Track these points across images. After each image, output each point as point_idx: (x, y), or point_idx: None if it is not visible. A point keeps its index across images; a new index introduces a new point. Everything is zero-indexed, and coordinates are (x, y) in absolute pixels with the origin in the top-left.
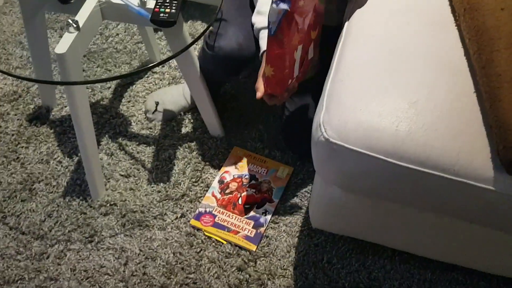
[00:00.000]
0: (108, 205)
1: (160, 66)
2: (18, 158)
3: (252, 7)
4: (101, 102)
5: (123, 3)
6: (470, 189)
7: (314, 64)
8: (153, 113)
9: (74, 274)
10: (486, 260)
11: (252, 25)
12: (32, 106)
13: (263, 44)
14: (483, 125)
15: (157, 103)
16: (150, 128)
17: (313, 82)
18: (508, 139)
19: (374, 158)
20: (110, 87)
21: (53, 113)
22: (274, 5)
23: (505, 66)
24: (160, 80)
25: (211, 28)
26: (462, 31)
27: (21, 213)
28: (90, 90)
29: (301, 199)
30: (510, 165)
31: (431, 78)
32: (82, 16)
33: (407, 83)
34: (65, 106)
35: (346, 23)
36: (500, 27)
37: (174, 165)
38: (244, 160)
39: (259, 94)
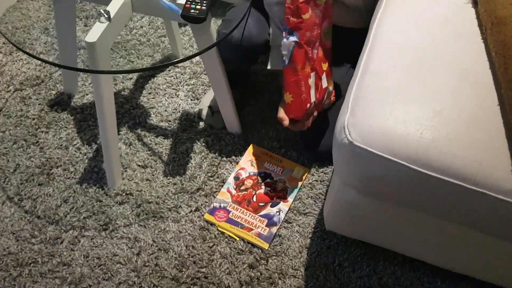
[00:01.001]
0: (124, 194)
1: (186, 61)
2: (37, 142)
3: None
4: (122, 92)
5: None
6: (489, 200)
7: (330, 96)
8: (212, 116)
9: (87, 261)
10: (500, 273)
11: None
12: (54, 92)
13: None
14: (505, 138)
15: (210, 107)
16: (169, 121)
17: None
18: None
19: (397, 164)
20: (131, 78)
21: (74, 100)
22: (285, 40)
23: None
24: (181, 74)
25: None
26: (489, 45)
27: (37, 197)
28: (112, 82)
29: (315, 201)
30: None
31: (456, 88)
32: (113, 7)
33: (432, 92)
34: (87, 94)
35: (374, 29)
36: None
37: (191, 159)
38: (261, 158)
39: (285, 122)
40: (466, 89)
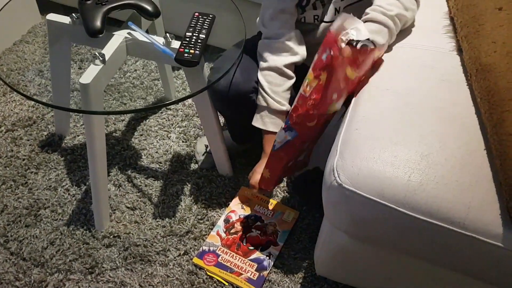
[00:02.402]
0: (111, 236)
1: (175, 104)
2: (26, 183)
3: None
4: (114, 133)
5: (149, 41)
6: (478, 244)
7: (301, 165)
8: (203, 155)
9: None
10: None
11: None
12: (45, 133)
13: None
14: (493, 182)
15: (207, 146)
16: (160, 163)
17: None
18: None
19: (385, 206)
20: (124, 120)
21: (65, 141)
22: (282, 130)
23: None
24: (174, 116)
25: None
26: (474, 91)
27: (24, 239)
28: (104, 124)
29: (305, 245)
30: None
31: (443, 133)
32: (108, 50)
33: (420, 136)
34: (78, 135)
35: None
36: (511, 89)
37: (181, 201)
38: (251, 201)
39: (255, 191)
40: (453, 134)
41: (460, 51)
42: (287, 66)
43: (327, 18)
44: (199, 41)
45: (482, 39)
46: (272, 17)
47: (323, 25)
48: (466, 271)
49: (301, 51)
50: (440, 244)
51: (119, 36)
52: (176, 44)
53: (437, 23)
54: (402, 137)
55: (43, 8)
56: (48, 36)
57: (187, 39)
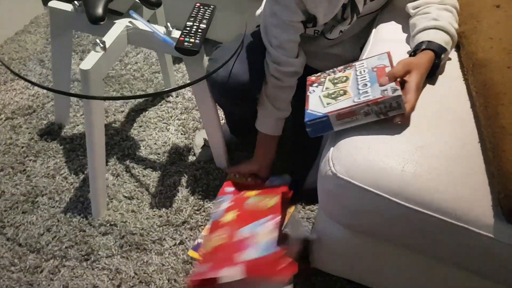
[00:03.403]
0: (108, 225)
1: (174, 96)
2: (24, 170)
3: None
4: (113, 124)
5: (150, 30)
6: (470, 235)
7: None
8: (201, 147)
9: None
10: None
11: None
12: (45, 122)
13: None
14: (485, 173)
15: (205, 139)
16: (158, 154)
17: None
18: (509, 188)
19: (379, 196)
20: (123, 111)
21: (64, 130)
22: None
23: (509, 119)
24: (173, 109)
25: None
26: (470, 85)
27: (20, 225)
28: (104, 112)
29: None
30: (511, 213)
31: (438, 125)
32: (109, 38)
33: (415, 128)
34: (77, 125)
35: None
36: (506, 83)
37: (178, 192)
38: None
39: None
40: (448, 127)
41: (458, 47)
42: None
43: (330, 36)
44: (199, 30)
45: (479, 35)
46: (279, 46)
47: (322, 36)
48: (458, 263)
49: (302, 68)
50: (432, 235)
51: (120, 25)
52: (176, 33)
53: None
54: (397, 129)
55: None
56: (50, 24)
57: (188, 28)
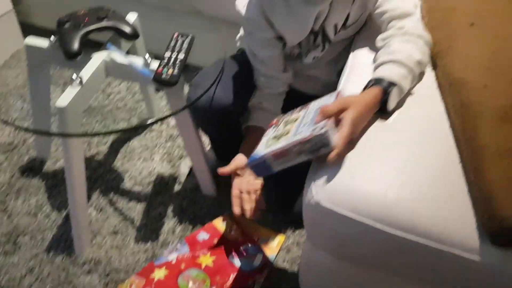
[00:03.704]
0: (92, 262)
1: (158, 124)
2: (5, 209)
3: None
4: (96, 156)
5: (127, 62)
6: (455, 259)
7: None
8: (187, 176)
9: None
10: None
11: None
12: (26, 158)
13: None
14: (468, 195)
15: (191, 168)
16: (143, 185)
17: None
18: (492, 210)
19: (363, 223)
20: (106, 142)
21: (46, 166)
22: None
23: (488, 139)
24: (157, 137)
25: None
26: (448, 105)
27: (1, 267)
28: (86, 145)
29: (291, 264)
30: (495, 236)
31: (418, 147)
32: (86, 72)
33: (395, 151)
34: (59, 160)
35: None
36: (483, 103)
37: (164, 224)
38: (235, 226)
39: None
40: (428, 148)
41: (434, 67)
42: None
43: (305, 60)
44: (177, 61)
45: (455, 54)
46: (262, 62)
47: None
48: (446, 285)
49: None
50: (418, 260)
51: (98, 58)
52: (155, 64)
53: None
54: (377, 152)
55: (26, 33)
56: (27, 60)
57: (166, 59)
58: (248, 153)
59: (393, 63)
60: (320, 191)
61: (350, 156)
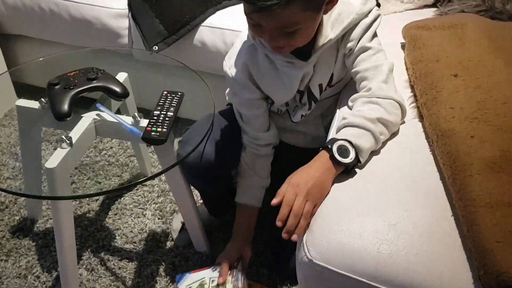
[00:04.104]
0: None
1: (149, 180)
2: None
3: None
4: (87, 214)
5: (116, 121)
6: None
7: None
8: (179, 232)
9: None
10: None
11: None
12: (17, 218)
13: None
14: (462, 248)
15: (183, 223)
16: (135, 242)
17: None
18: (487, 265)
19: (357, 281)
20: (98, 200)
21: (37, 225)
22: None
23: (479, 191)
24: (149, 193)
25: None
26: (437, 156)
27: None
28: (77, 203)
29: None
30: None
31: (409, 201)
32: (76, 133)
33: (386, 205)
34: (50, 218)
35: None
36: (471, 153)
37: (156, 283)
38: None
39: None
40: (419, 201)
41: (421, 118)
42: None
43: (294, 119)
44: (166, 119)
45: (440, 105)
46: (247, 121)
47: (287, 115)
48: None
49: (275, 139)
50: None
51: (87, 118)
52: (145, 122)
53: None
54: (368, 207)
55: (20, 92)
56: (18, 121)
57: (155, 118)
58: (242, 231)
59: (345, 128)
60: (312, 249)
61: (341, 211)
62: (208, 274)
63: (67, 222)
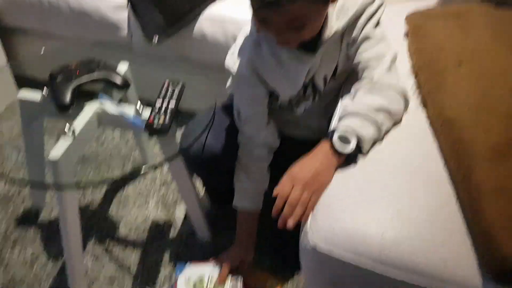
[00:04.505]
0: None
1: (152, 170)
2: (2, 261)
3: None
4: (91, 205)
5: (119, 112)
6: None
7: None
8: (183, 221)
9: None
10: None
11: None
12: (22, 208)
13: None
14: (467, 234)
15: (186, 212)
16: (138, 232)
17: None
18: (492, 251)
19: (361, 268)
20: (101, 190)
21: (42, 215)
22: None
23: (483, 178)
24: (152, 183)
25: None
26: (441, 143)
27: None
28: (81, 194)
29: None
30: (497, 275)
31: (414, 188)
32: (79, 124)
33: (390, 193)
34: (55, 208)
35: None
36: (476, 141)
37: (160, 271)
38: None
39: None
40: (424, 188)
41: (425, 106)
42: None
43: (297, 112)
44: (169, 109)
45: (444, 93)
46: (246, 119)
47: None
48: None
49: (273, 138)
50: None
51: (90, 109)
52: (147, 112)
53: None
54: (372, 195)
55: (20, 85)
56: (20, 113)
57: (157, 108)
58: (243, 237)
59: (347, 117)
60: (316, 236)
61: (345, 199)
62: (208, 271)
63: (72, 211)
